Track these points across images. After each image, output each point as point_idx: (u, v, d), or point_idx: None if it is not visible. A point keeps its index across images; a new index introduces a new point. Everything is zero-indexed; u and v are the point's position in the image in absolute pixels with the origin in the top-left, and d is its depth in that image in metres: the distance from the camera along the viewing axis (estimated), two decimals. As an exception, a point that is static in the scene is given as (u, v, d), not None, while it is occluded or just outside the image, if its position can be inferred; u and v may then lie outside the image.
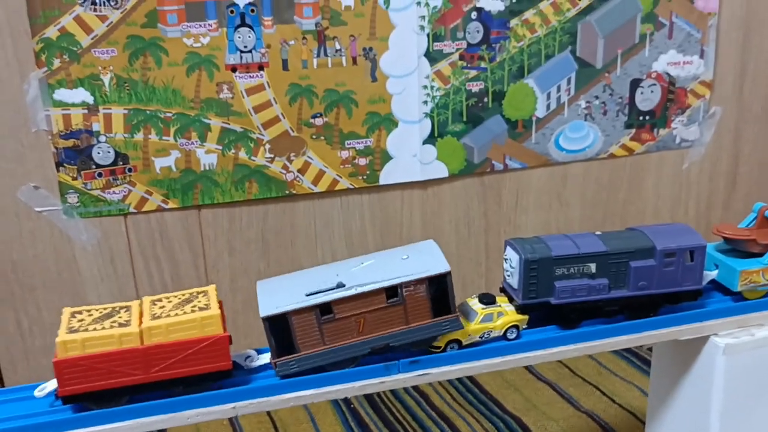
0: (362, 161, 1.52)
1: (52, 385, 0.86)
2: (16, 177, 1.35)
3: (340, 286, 0.89)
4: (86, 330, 0.82)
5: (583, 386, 1.60)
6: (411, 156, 1.54)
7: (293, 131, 1.46)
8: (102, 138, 1.37)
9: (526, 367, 1.68)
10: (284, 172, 1.48)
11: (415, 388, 1.62)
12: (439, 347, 0.94)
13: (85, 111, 1.34)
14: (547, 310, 0.98)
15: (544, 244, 0.97)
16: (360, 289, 0.88)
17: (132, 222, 1.43)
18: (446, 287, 0.90)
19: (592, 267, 0.97)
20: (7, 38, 1.28)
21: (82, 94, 1.33)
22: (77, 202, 1.39)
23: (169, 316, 0.84)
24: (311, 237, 1.55)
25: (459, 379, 1.64)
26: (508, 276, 1.00)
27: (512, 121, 1.59)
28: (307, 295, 0.88)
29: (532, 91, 1.58)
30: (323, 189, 1.51)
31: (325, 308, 0.88)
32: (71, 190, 1.38)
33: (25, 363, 1.45)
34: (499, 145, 1.59)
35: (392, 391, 1.60)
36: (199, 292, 0.90)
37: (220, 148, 1.43)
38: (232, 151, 1.44)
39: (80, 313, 0.86)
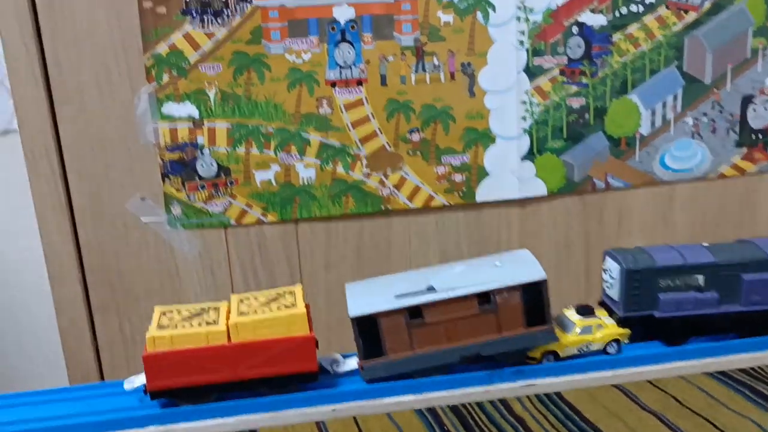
0: (458, 177, 1.50)
1: (140, 379, 0.88)
2: (125, 188, 1.40)
3: (431, 289, 0.87)
4: (175, 327, 0.84)
5: (693, 418, 1.49)
6: (509, 173, 1.51)
7: (390, 146, 1.47)
8: (206, 151, 1.41)
9: (629, 396, 1.60)
10: (380, 187, 1.48)
11: (511, 413, 1.56)
12: (535, 358, 0.91)
13: (191, 125, 1.39)
14: (650, 324, 0.93)
15: (647, 254, 0.93)
16: (451, 294, 0.86)
17: (232, 234, 1.46)
18: (542, 296, 0.87)
19: (700, 279, 0.92)
20: (121, 54, 1.34)
21: (188, 108, 1.38)
22: (181, 213, 1.43)
23: (255, 313, 0.85)
24: (406, 254, 1.54)
25: (557, 405, 1.58)
26: (608, 288, 0.96)
27: (615, 139, 1.54)
28: (397, 298, 0.87)
29: (636, 108, 1.53)
30: (419, 205, 1.51)
31: (414, 311, 0.86)
32: (175, 202, 1.42)
33: (126, 370, 1.50)
34: (601, 162, 1.55)
35: (487, 416, 1.56)
36: (285, 291, 0.90)
37: (319, 162, 1.45)
38: (330, 165, 1.46)
39: (171, 311, 0.88)
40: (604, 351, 0.93)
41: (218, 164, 1.42)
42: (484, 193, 1.52)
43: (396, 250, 1.53)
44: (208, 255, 1.47)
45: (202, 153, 1.41)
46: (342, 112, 1.43)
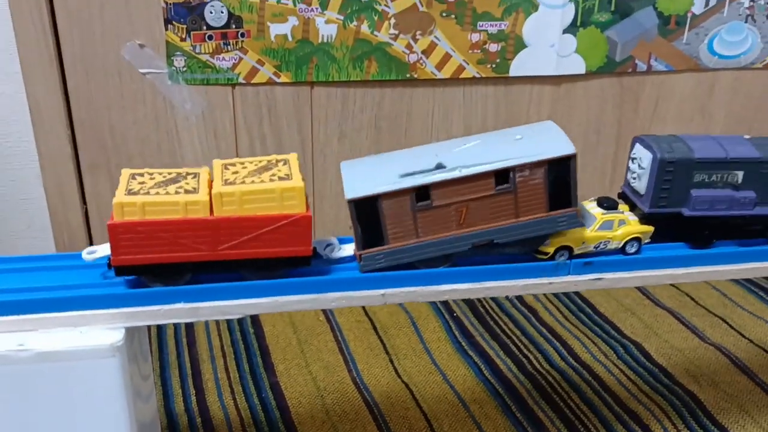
0: (493, 47, 1.36)
1: (103, 250, 0.75)
2: (122, 32, 1.23)
3: (440, 167, 0.75)
4: (147, 194, 0.70)
5: (708, 317, 1.46)
6: (548, 46, 1.37)
7: (422, 5, 1.31)
8: (215, -5, 1.23)
9: (644, 293, 1.54)
10: (407, 51, 1.33)
11: (522, 303, 1.50)
12: (548, 254, 0.81)
13: (200, -37, 1.21)
14: (677, 223, 0.83)
15: (684, 143, 0.81)
16: (464, 172, 0.74)
17: (240, 93, 1.31)
18: (568, 175, 0.75)
19: (739, 176, 0.81)
20: None
21: (197, -57, 1.19)
22: (184, 66, 1.27)
23: (243, 183, 0.72)
24: (427, 128, 1.41)
25: (569, 297, 1.52)
26: (634, 179, 0.84)
27: (665, 16, 1.40)
28: (401, 177, 0.75)
29: (693, -18, 1.39)
30: (447, 75, 1.37)
31: (421, 192, 0.75)
32: (178, 53, 1.26)
33: (117, 236, 1.37)
34: (646, 42, 1.41)
35: (497, 304, 1.49)
36: (278, 160, 0.76)
37: (342, 18, 1.29)
38: (354, 23, 1.29)
39: (141, 175, 0.74)
40: (622, 250, 0.82)
41: (229, 12, 1.25)
42: (519, 66, 1.38)
43: (417, 124, 1.40)
44: (211, 115, 1.32)
45: (211, -3, 1.23)
46: (372, -39, 1.26)
